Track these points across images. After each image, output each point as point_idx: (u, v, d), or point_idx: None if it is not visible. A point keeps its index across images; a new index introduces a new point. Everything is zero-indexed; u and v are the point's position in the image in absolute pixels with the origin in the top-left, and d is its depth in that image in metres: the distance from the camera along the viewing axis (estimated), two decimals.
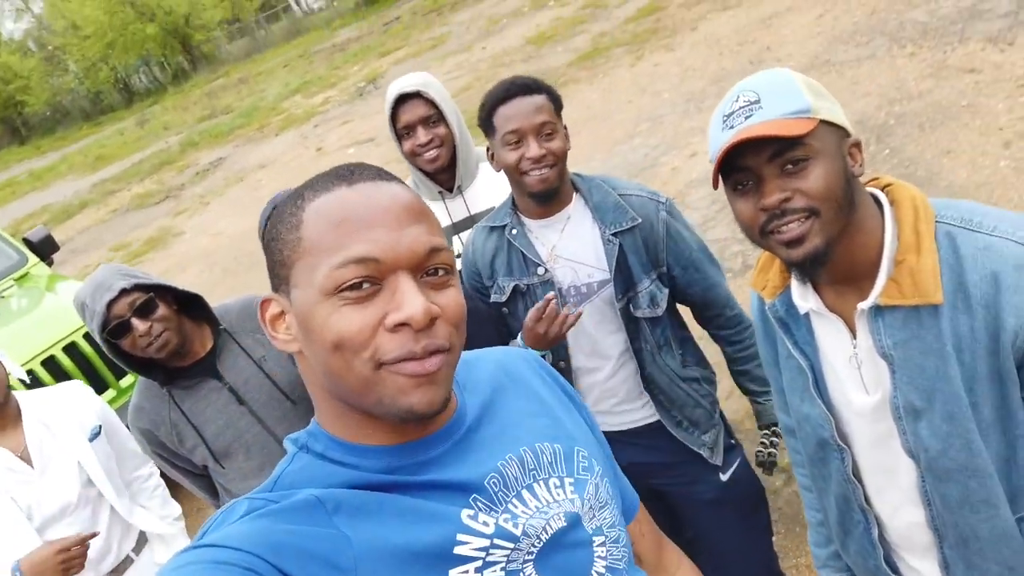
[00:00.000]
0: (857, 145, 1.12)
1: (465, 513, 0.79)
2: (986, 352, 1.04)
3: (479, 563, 0.78)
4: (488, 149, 1.83)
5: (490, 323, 1.95)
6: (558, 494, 0.87)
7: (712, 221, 4.89)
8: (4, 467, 2.09)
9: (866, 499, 1.27)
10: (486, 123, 1.78)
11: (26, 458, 2.12)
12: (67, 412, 2.23)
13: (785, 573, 2.18)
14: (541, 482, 0.87)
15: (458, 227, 2.21)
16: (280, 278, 0.79)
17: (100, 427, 2.25)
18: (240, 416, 1.98)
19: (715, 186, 1.13)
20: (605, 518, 0.91)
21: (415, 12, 20.02)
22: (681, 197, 5.34)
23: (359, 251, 0.73)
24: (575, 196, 1.83)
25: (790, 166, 1.05)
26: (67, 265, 10.30)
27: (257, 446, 1.99)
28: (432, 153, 2.11)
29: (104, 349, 1.89)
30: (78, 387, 2.39)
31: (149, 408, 1.99)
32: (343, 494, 0.76)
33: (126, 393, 4.16)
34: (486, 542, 0.79)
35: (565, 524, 0.85)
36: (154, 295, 1.90)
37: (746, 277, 4.23)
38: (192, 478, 2.13)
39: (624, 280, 1.78)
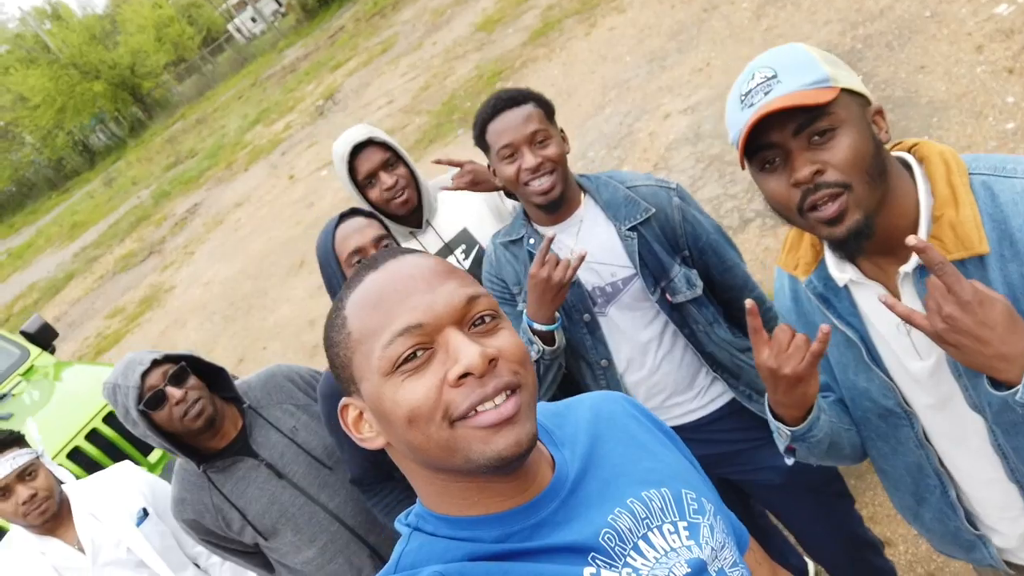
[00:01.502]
0: (880, 112, 1.10)
1: (587, 572, 0.79)
2: None
3: None
4: (489, 166, 1.83)
5: None
6: (674, 540, 0.86)
7: (700, 180, 4.84)
8: (61, 558, 2.17)
9: (940, 462, 1.24)
10: (480, 141, 1.79)
11: (81, 548, 2.19)
12: (113, 499, 2.28)
13: (878, 537, 2.12)
14: (655, 530, 0.86)
15: None
16: (347, 380, 0.81)
17: (145, 510, 2.29)
18: (282, 490, 1.98)
19: (742, 166, 1.11)
20: (726, 558, 0.90)
21: (358, 19, 19.79)
22: (663, 161, 5.29)
23: (402, 323, 0.75)
24: (584, 197, 1.82)
25: (817, 137, 1.03)
26: (66, 340, 10.23)
27: (304, 517, 1.99)
28: (402, 196, 2.10)
29: (139, 428, 1.88)
30: (126, 469, 2.44)
31: (191, 498, 1.99)
32: (466, 568, 0.77)
33: (155, 469, 4.14)
34: None
35: (689, 571, 0.84)
36: (185, 364, 1.93)
37: (746, 233, 4.20)
38: (246, 558, 2.13)
39: (654, 271, 1.77)
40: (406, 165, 2.12)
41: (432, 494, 0.83)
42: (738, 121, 1.08)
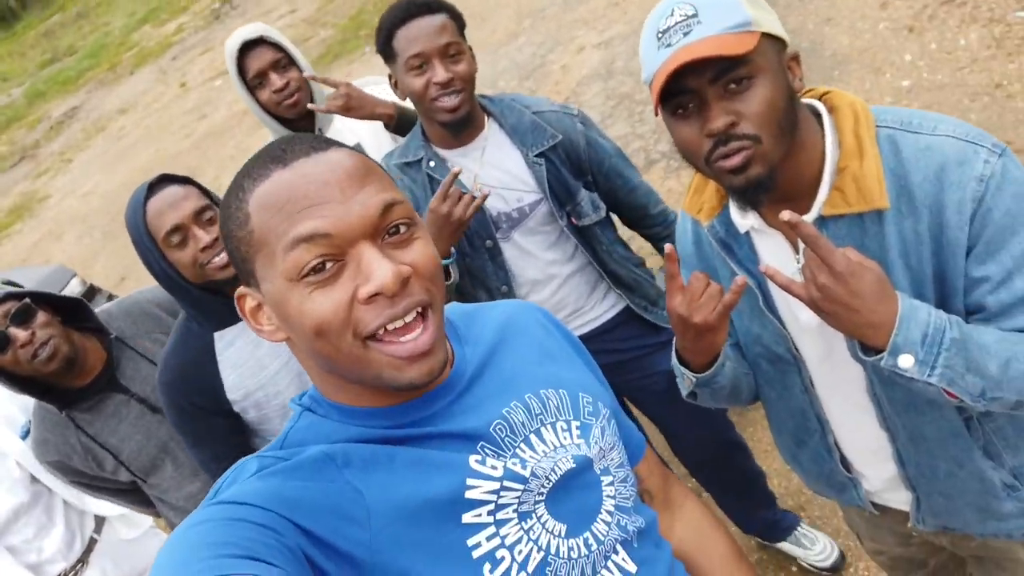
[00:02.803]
0: (796, 58, 1.06)
1: (473, 459, 0.81)
2: (931, 254, 1.04)
3: (491, 506, 0.80)
4: (390, 76, 1.73)
5: None
6: (565, 437, 0.89)
7: (610, 118, 4.81)
8: None
9: (821, 408, 1.29)
10: (385, 47, 1.68)
11: None
12: None
13: (743, 439, 2.24)
14: (548, 426, 0.89)
15: None
16: (247, 273, 0.79)
17: (30, 422, 2.08)
18: (158, 425, 1.85)
19: (656, 112, 1.06)
20: (612, 459, 0.94)
21: None
22: (575, 96, 5.22)
23: (308, 228, 0.72)
24: (487, 120, 1.76)
25: (733, 85, 0.99)
26: None
27: (184, 450, 1.87)
28: (292, 98, 2.01)
29: None
30: None
31: (54, 439, 1.84)
32: (352, 448, 0.77)
33: None
34: (496, 484, 0.80)
35: (574, 466, 0.87)
36: (30, 302, 1.74)
37: (651, 173, 4.22)
38: (120, 496, 2.01)
39: (560, 196, 1.76)
40: (298, 69, 2.04)
41: (327, 385, 0.83)
42: (653, 60, 1.02)
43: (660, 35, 1.01)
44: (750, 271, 1.20)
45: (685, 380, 1.27)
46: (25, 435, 2.08)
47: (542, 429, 0.88)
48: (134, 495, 1.98)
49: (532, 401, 0.89)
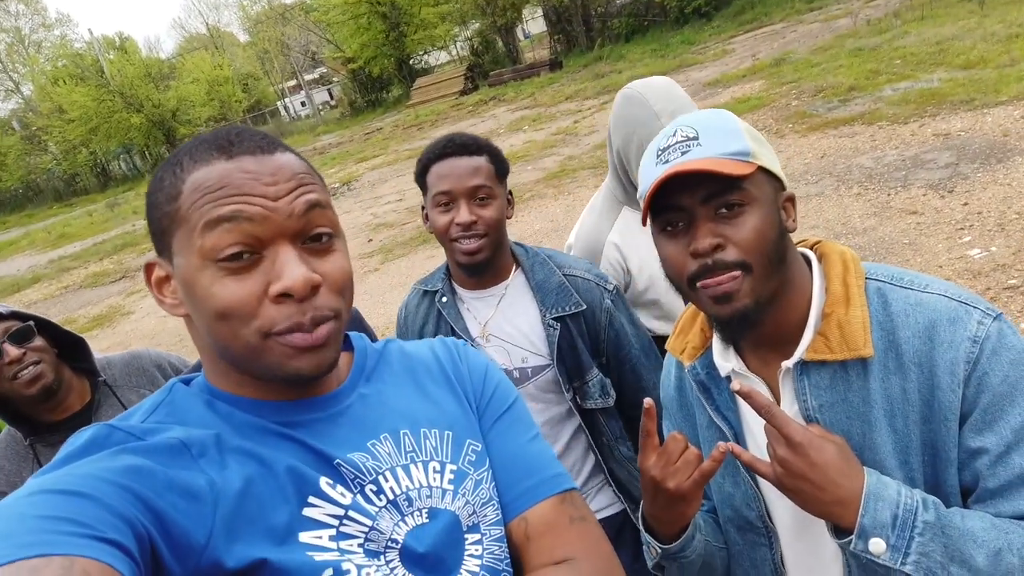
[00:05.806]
0: (791, 200, 1.07)
1: (324, 480, 0.79)
2: (920, 418, 0.97)
3: (332, 531, 0.77)
4: (423, 208, 1.70)
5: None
6: (435, 479, 0.86)
7: None
8: None
9: None
10: (420, 179, 1.67)
11: None
12: None
13: None
14: (420, 464, 0.86)
15: None
16: (163, 244, 0.79)
17: None
18: None
19: (644, 223, 1.06)
20: (487, 515, 0.88)
21: (397, 126, 20.75)
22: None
23: (230, 210, 0.74)
24: (515, 270, 1.70)
25: (724, 210, 0.99)
26: None
27: None
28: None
29: None
30: None
31: (8, 468, 1.78)
32: (209, 439, 0.77)
33: None
34: (339, 511, 0.78)
35: (427, 520, 0.83)
36: (33, 325, 1.76)
37: None
38: None
39: (570, 368, 1.64)
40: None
41: (214, 368, 0.84)
42: (649, 176, 1.04)
43: (660, 152, 1.03)
44: (727, 419, 1.14)
45: (651, 550, 1.16)
46: None
47: (411, 467, 0.85)
48: None
49: (406, 437, 0.87)
